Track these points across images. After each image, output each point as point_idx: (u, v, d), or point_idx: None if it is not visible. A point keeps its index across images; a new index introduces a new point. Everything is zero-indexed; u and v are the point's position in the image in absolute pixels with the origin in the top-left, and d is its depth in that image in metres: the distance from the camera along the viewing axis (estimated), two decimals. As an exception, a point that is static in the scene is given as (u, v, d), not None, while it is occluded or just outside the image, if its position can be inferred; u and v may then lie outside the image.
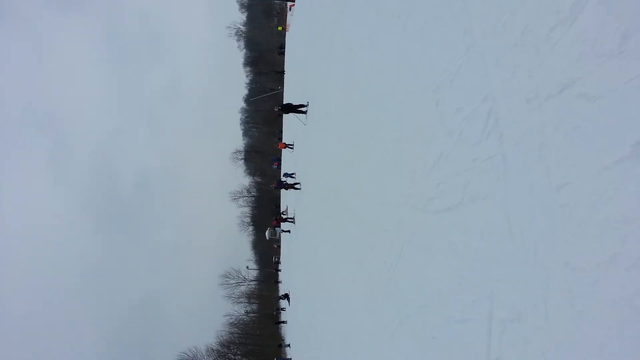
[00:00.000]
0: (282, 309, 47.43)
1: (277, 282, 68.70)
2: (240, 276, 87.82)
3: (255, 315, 79.79)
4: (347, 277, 12.84)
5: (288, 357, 42.69)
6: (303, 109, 25.91)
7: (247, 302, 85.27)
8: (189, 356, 62.65)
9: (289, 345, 44.71)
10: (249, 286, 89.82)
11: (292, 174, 30.08)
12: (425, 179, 6.51)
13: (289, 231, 37.21)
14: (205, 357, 64.51)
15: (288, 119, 51.49)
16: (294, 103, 26.47)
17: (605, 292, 2.80)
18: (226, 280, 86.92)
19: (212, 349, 66.34)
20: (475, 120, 4.87)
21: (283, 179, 31.56)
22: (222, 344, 68.29)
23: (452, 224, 5.37)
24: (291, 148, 36.56)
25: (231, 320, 76.25)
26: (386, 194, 8.93)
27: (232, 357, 68.34)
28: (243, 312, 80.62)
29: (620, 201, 2.77)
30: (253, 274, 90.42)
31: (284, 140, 45.45)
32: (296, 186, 28.15)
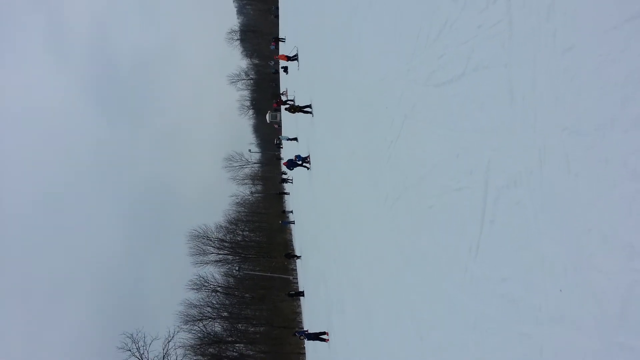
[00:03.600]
0: (285, 181, 48.87)
1: (278, 159, 70.15)
2: (243, 159, 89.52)
3: (259, 195, 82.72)
4: (347, 155, 13.07)
5: (291, 220, 45.43)
6: None
7: (251, 184, 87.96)
8: (199, 233, 66.20)
9: (291, 212, 47.26)
10: (252, 168, 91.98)
11: (307, 157, 24.63)
12: (428, 51, 6.30)
13: (307, 164, 32.30)
14: (214, 232, 68.16)
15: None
16: None
17: (601, 154, 2.85)
18: (230, 164, 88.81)
19: (221, 226, 69.93)
20: (483, -17, 4.58)
21: (293, 158, 25.31)
22: (230, 222, 71.78)
23: (453, 95, 5.32)
24: (295, 59, 29.51)
25: (237, 200, 79.33)
26: (386, 68, 8.72)
27: (240, 232, 72.25)
28: (248, 192, 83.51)
29: (625, 62, 2.70)
30: (255, 156, 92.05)
31: (283, 53, 35.78)
32: (307, 109, 23.12)
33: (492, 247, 4.27)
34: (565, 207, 3.17)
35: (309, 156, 24.41)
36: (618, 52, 2.76)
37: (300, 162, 24.71)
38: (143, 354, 42.83)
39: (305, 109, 23.25)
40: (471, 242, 4.68)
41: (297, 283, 45.52)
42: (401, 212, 7.80)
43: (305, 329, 35.29)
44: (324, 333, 19.61)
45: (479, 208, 4.48)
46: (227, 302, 60.47)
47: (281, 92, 48.95)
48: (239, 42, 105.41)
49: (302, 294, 35.22)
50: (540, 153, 3.46)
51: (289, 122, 36.22)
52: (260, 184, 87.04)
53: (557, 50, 3.30)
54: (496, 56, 4.23)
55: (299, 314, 44.81)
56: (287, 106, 24.69)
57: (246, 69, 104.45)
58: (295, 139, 31.61)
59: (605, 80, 2.86)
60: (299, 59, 29.52)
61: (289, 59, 30.64)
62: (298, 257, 38.60)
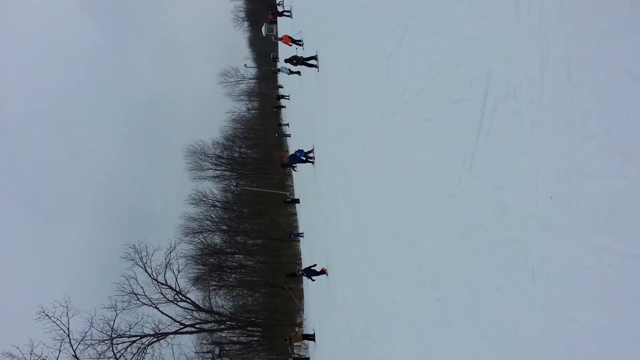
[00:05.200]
0: (282, 97, 48.19)
1: (275, 72, 68.51)
2: (239, 74, 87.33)
3: (256, 112, 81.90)
4: (345, 69, 12.78)
5: (287, 133, 45.86)
6: None
7: (247, 100, 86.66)
8: (196, 148, 66.32)
9: (287, 124, 47.49)
10: (249, 84, 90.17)
11: (310, 151, 22.47)
12: (433, -46, 5.94)
13: (298, 72, 28.30)
14: (212, 149, 68.29)
15: None
16: None
17: (604, 60, 2.79)
18: (225, 79, 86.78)
19: (217, 142, 69.88)
20: None
21: (298, 153, 23.09)
22: (226, 138, 71.68)
23: (457, 2, 5.09)
24: (300, 44, 25.99)
25: (234, 117, 78.59)
26: (389, -25, 8.28)
27: (237, 149, 72.41)
28: (244, 109, 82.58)
29: (642, -40, 2.55)
30: (251, 72, 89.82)
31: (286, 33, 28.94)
32: (311, 62, 20.22)
33: (487, 158, 4.30)
34: (562, 115, 3.15)
35: (312, 150, 22.34)
36: (634, -51, 2.60)
37: (303, 158, 22.76)
38: (146, 263, 44.54)
39: (310, 62, 20.14)
40: (466, 154, 4.71)
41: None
42: (398, 126, 7.78)
43: (300, 232, 36.44)
44: (323, 271, 19.11)
45: (476, 119, 4.46)
46: (225, 216, 62.01)
47: (277, 2, 46.80)
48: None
49: (297, 201, 36.13)
50: (542, 60, 3.38)
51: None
52: (256, 101, 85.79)
53: (570, -52, 3.11)
54: (505, -43, 3.99)
55: (296, 227, 46.18)
56: (289, 57, 21.23)
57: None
58: (298, 72, 28.33)
59: (617, -19, 2.73)
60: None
61: (292, 41, 26.41)
62: (294, 167, 39.02)
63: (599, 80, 2.80)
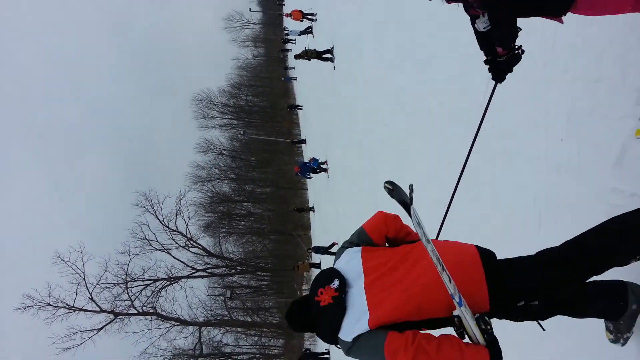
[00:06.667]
0: (287, 41, 47.12)
1: (280, 15, 66.75)
2: (243, 19, 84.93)
3: (262, 58, 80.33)
4: (356, 13, 12.40)
5: (294, 76, 45.85)
6: None
7: (253, 46, 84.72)
8: (202, 97, 65.73)
9: (293, 68, 47.19)
10: (254, 30, 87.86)
11: (324, 162, 20.75)
12: None
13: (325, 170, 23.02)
14: (218, 97, 67.61)
15: None
16: None
17: None
18: (230, 24, 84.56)
19: (224, 90, 69.06)
20: None
21: (308, 162, 21.31)
22: (233, 86, 70.72)
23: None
24: (312, 19, 23.39)
25: (239, 64, 77.12)
26: None
27: (244, 97, 71.64)
28: (250, 55, 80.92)
29: None
30: (257, 16, 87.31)
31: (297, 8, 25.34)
32: (326, 55, 18.21)
33: (497, 100, 4.22)
34: (576, 56, 3.07)
35: (325, 162, 20.80)
36: None
37: (315, 168, 20.85)
38: (157, 210, 45.22)
39: (325, 55, 18.28)
40: (476, 97, 4.63)
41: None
42: (406, 70, 7.63)
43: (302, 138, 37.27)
44: (333, 245, 18.26)
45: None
46: (233, 164, 62.35)
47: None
48: None
49: (304, 141, 36.64)
50: (558, -2, 3.25)
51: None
52: (262, 47, 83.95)
53: None
54: None
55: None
56: (300, 52, 19.21)
57: None
58: (310, 29, 24.58)
59: None
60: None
61: (303, 15, 23.48)
62: (300, 108, 39.18)
63: (617, 20, 2.69)
